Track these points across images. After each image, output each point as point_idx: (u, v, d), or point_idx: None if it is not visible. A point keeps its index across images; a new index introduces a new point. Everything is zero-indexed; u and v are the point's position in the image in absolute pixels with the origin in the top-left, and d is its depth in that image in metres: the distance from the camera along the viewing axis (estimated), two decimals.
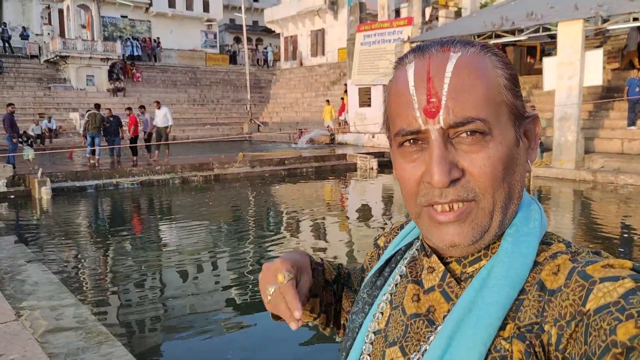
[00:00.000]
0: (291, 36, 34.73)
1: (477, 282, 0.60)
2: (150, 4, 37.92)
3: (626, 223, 8.88)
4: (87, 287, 5.71)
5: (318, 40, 32.68)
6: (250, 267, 6.55)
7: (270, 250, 7.28)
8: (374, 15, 23.72)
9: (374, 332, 0.71)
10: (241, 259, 7.00)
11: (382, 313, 0.71)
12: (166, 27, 38.67)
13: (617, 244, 7.34)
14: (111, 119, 14.92)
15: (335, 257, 6.96)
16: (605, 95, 15.49)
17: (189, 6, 39.55)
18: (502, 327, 0.57)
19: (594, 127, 14.46)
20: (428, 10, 19.26)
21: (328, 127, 22.72)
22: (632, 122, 13.79)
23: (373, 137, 19.81)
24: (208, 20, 40.59)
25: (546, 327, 0.55)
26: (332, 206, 11.44)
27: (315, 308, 0.88)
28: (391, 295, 0.72)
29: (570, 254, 0.59)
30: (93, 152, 14.29)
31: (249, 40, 36.10)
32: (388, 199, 12.26)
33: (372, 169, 15.43)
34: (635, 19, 11.85)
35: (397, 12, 21.95)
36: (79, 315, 4.15)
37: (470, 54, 0.61)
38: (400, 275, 0.73)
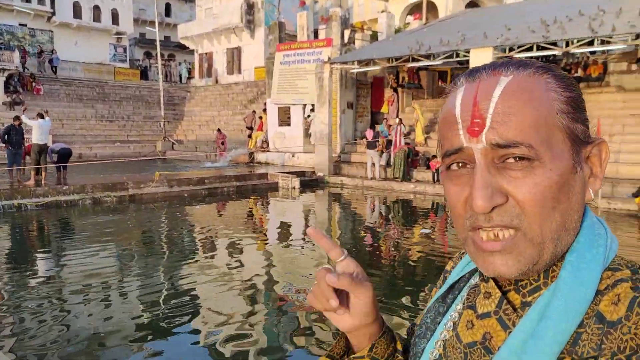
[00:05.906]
0: (206, 53, 34.08)
1: (534, 314, 0.58)
2: (53, 13, 35.61)
3: None
4: None
5: (234, 58, 32.32)
6: (166, 292, 6.12)
7: (186, 274, 6.87)
8: (292, 36, 23.85)
9: (435, 359, 0.69)
10: (155, 284, 6.52)
11: (443, 341, 0.69)
12: (70, 38, 36.46)
13: None
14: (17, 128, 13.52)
15: (253, 277, 6.71)
16: None
17: (96, 17, 37.60)
18: None
19: None
20: (347, 33, 19.69)
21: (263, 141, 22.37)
22: None
23: (293, 156, 19.76)
24: (117, 34, 38.81)
25: None
26: (253, 227, 11.16)
27: None
28: (453, 324, 0.70)
29: (632, 281, 0.56)
30: None
31: (161, 55, 34.93)
32: (309, 219, 12.18)
33: (294, 188, 15.32)
34: (540, 48, 12.86)
35: (316, 33, 22.23)
36: None
37: (522, 76, 0.60)
38: (463, 303, 0.71)
